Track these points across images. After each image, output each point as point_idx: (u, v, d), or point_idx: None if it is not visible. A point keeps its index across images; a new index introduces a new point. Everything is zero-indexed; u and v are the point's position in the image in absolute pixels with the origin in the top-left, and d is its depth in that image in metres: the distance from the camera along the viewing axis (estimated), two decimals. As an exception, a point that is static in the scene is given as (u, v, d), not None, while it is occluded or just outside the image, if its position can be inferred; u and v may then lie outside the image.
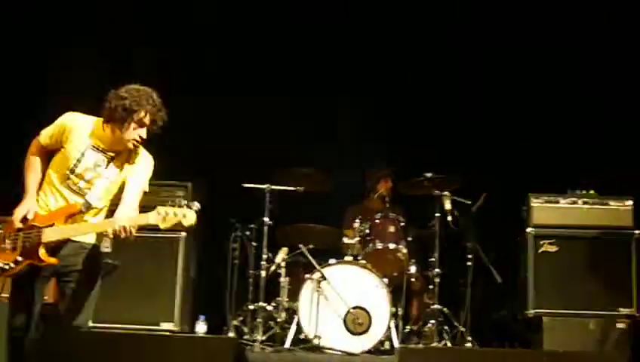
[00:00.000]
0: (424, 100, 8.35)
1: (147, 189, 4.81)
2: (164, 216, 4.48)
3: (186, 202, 4.60)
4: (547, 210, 7.03)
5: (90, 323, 4.80)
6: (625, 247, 6.90)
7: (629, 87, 8.01)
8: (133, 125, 4.63)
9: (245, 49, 8.37)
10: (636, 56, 7.98)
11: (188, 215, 4.50)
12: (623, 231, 6.94)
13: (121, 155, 4.74)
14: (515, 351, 5.28)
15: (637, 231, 6.91)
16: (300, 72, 8.34)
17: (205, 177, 7.27)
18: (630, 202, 6.99)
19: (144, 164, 4.80)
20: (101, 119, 4.71)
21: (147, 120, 4.64)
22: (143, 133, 4.66)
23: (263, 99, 8.20)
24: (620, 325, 6.73)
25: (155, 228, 4.52)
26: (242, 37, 8.36)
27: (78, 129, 4.71)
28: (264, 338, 6.64)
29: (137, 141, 4.68)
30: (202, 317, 7.01)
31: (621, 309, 6.79)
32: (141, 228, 4.53)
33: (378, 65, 8.40)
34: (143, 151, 4.80)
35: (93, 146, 4.70)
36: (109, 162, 4.71)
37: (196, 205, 4.59)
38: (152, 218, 4.50)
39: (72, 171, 4.66)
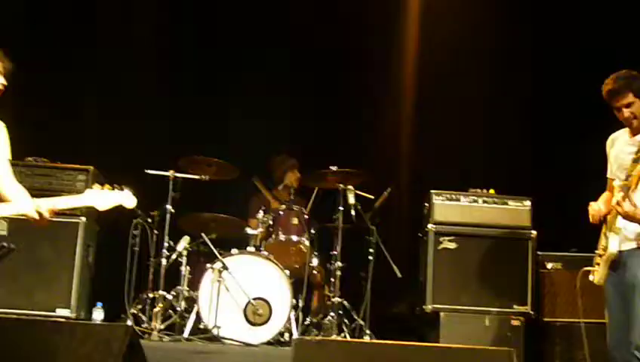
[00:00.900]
0: (330, 95, 8.40)
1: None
2: (103, 198, 4.49)
3: (115, 185, 4.58)
4: (448, 208, 7.13)
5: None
6: (522, 247, 7.06)
7: (524, 88, 8.19)
8: None
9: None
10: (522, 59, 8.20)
11: (129, 197, 4.56)
12: (521, 230, 7.09)
13: None
14: (411, 345, 5.33)
15: (534, 232, 7.08)
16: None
17: (107, 162, 7.13)
18: (528, 203, 7.14)
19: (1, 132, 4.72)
20: None
21: (1, 68, 4.60)
22: (2, 80, 4.61)
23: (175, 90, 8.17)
24: (514, 322, 6.89)
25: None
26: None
27: None
28: (163, 327, 6.55)
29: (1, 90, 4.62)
30: (99, 304, 6.88)
31: (516, 307, 6.94)
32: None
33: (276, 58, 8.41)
34: None
35: None
36: None
37: (126, 189, 4.61)
38: (86, 200, 4.50)
39: None
